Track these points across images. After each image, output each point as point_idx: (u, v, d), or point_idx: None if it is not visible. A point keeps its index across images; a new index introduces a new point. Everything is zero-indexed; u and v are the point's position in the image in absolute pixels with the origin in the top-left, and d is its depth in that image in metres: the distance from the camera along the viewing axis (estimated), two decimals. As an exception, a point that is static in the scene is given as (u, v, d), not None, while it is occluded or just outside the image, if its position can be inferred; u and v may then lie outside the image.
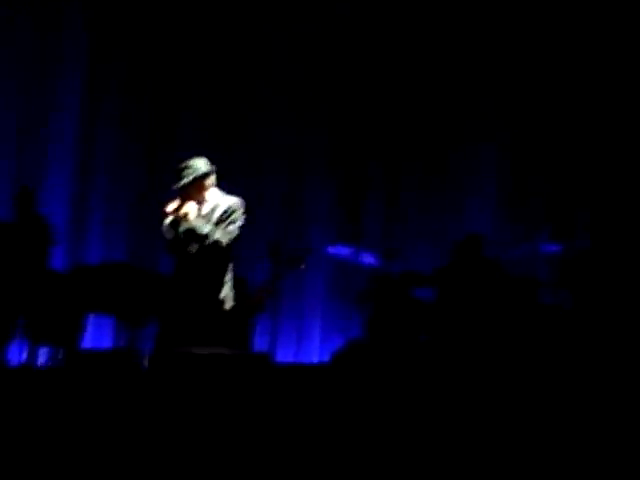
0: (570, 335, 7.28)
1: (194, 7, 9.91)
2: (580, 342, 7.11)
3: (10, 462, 4.97)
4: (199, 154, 5.79)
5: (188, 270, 5.67)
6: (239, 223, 5.67)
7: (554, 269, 8.38)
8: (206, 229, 5.56)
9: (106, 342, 8.74)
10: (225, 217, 5.61)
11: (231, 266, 5.75)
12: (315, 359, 9.28)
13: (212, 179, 5.70)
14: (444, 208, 9.86)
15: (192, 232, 5.57)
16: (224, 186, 5.85)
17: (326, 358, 7.92)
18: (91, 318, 8.33)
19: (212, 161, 5.74)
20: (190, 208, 5.60)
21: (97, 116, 9.85)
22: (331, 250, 8.93)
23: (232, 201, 5.67)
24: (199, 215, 5.63)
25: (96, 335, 8.82)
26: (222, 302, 5.70)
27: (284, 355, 8.70)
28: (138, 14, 9.86)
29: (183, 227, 5.63)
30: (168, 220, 5.71)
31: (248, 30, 9.93)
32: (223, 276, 5.71)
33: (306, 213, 9.81)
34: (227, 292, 5.72)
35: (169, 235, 5.71)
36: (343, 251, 8.75)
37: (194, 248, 5.60)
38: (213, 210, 5.65)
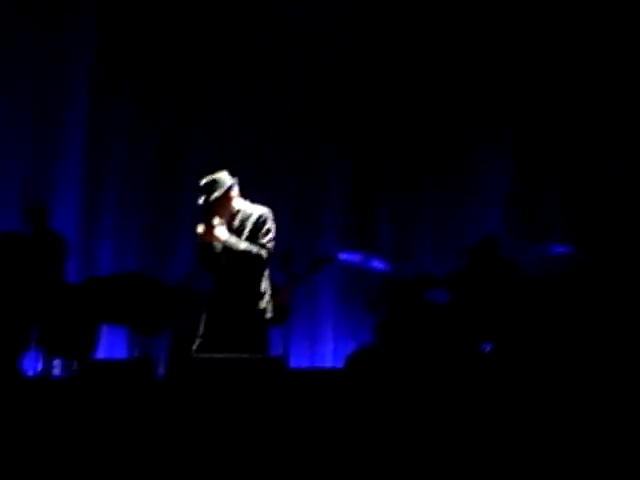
0: (585, 334, 7.27)
1: (206, 16, 9.95)
2: (595, 342, 7.11)
3: (26, 472, 5.00)
4: (211, 164, 5.86)
5: (227, 283, 5.71)
6: (272, 233, 5.73)
7: (565, 270, 8.38)
8: (242, 245, 5.61)
9: (120, 352, 8.77)
10: (258, 228, 5.67)
11: (267, 275, 5.80)
12: (328, 364, 9.30)
13: (236, 190, 5.76)
14: (455, 211, 9.88)
15: (229, 250, 5.62)
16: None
17: (339, 363, 7.92)
18: (105, 329, 8.38)
19: (227, 170, 5.81)
20: (220, 232, 5.63)
21: (107, 128, 9.90)
22: (343, 256, 8.94)
23: (261, 211, 5.73)
24: (230, 229, 5.68)
25: (110, 345, 8.87)
26: (263, 312, 5.76)
27: (297, 360, 8.72)
28: (150, 21, 9.90)
29: (219, 246, 5.68)
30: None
31: (261, 38, 10.00)
32: (261, 286, 5.76)
33: (318, 219, 9.83)
34: (267, 302, 5.77)
35: (205, 254, 5.75)
36: (355, 257, 8.76)
37: (232, 263, 5.65)
38: (243, 222, 5.70)
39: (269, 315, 5.79)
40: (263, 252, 5.66)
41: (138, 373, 6.80)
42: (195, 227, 5.68)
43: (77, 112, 9.75)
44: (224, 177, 5.71)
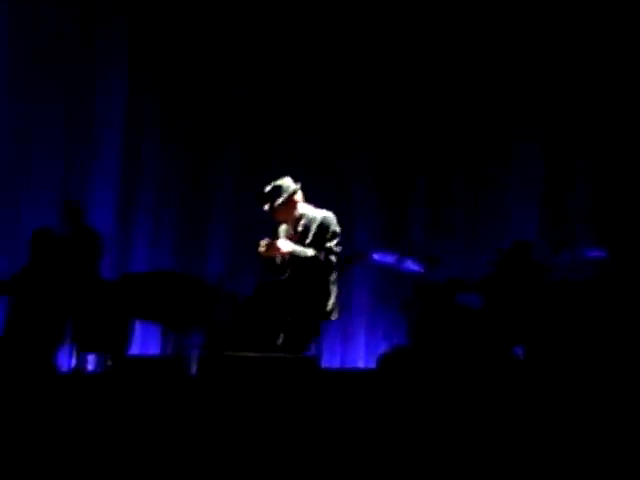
0: (615, 339, 7.23)
1: (237, 35, 10.02)
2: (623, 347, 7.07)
3: (60, 466, 5.05)
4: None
5: (294, 286, 5.76)
6: (338, 237, 5.78)
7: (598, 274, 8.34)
8: (310, 252, 5.67)
9: (153, 349, 8.83)
10: (323, 232, 5.73)
11: (335, 277, 5.85)
12: (360, 364, 9.31)
13: (300, 195, 5.81)
14: (487, 215, 9.86)
15: (297, 257, 5.67)
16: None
17: (371, 363, 7.93)
18: (138, 325, 8.44)
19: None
20: (283, 245, 5.69)
21: (142, 128, 9.95)
22: (376, 257, 8.93)
23: (325, 215, 5.80)
24: (295, 233, 5.73)
25: (143, 342, 8.93)
26: (330, 313, 5.83)
27: (330, 360, 8.75)
28: (181, 24, 9.97)
29: (278, 259, 5.78)
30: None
31: (288, 53, 10.03)
32: (329, 289, 5.80)
33: (352, 220, 9.84)
34: (333, 304, 5.82)
35: (269, 265, 5.82)
36: (388, 258, 8.75)
37: (300, 269, 5.70)
38: (307, 226, 5.78)
39: (335, 316, 5.86)
40: (332, 257, 5.75)
41: (171, 370, 6.85)
42: (257, 244, 5.76)
43: (114, 112, 9.81)
44: (288, 182, 5.82)
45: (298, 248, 5.69)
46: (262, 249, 5.75)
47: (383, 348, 8.11)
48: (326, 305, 5.80)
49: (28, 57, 9.41)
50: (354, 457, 5.08)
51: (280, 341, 5.85)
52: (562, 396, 6.05)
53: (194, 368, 7.49)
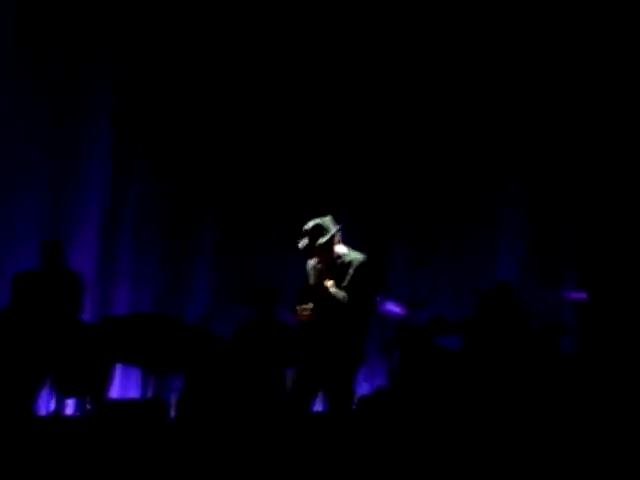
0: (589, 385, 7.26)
1: (218, 66, 10.09)
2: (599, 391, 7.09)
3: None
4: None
5: (332, 332, 5.73)
6: (373, 280, 5.76)
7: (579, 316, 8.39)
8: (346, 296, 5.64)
9: (133, 392, 8.78)
10: (359, 277, 5.64)
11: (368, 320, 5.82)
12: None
13: (339, 235, 5.79)
14: (470, 257, 9.90)
15: (334, 299, 5.63)
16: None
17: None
18: (119, 368, 8.40)
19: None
20: (330, 284, 5.66)
21: (124, 169, 9.93)
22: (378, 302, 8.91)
23: (360, 258, 5.72)
24: (329, 276, 5.69)
25: (124, 385, 8.88)
26: (358, 358, 5.75)
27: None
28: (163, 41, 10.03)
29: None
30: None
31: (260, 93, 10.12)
32: (362, 332, 5.77)
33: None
34: (361, 348, 5.77)
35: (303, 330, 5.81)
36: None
37: (337, 315, 5.67)
38: (344, 267, 5.69)
39: (359, 362, 5.80)
40: (371, 302, 5.73)
41: (150, 413, 6.83)
42: (295, 306, 5.70)
43: (97, 146, 9.78)
44: (329, 222, 5.72)
45: (340, 292, 5.64)
46: (305, 313, 5.68)
47: (364, 390, 8.10)
48: (361, 350, 5.73)
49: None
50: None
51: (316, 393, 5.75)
52: (539, 438, 6.06)
53: (173, 411, 7.48)
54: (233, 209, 10.00)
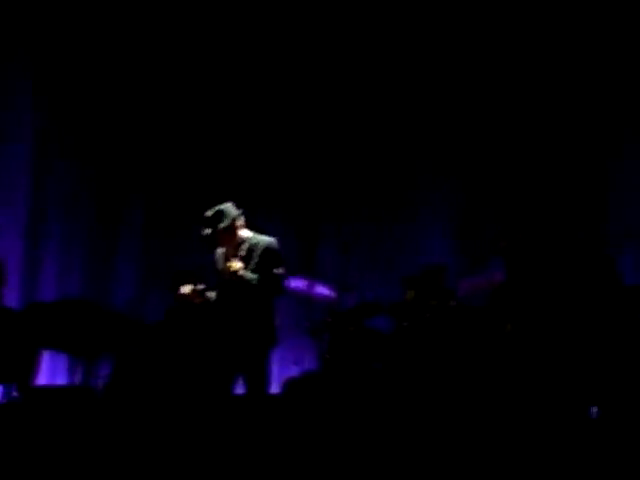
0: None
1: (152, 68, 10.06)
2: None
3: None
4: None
5: (240, 312, 5.74)
6: (280, 261, 5.80)
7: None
8: (256, 277, 5.65)
9: (61, 379, 8.71)
10: (268, 259, 5.74)
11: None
12: (272, 390, 9.27)
13: (242, 220, 5.84)
14: (397, 240, 9.98)
15: (243, 281, 5.65)
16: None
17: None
18: (46, 355, 8.31)
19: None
20: (237, 264, 5.67)
21: (48, 153, 9.79)
22: (287, 282, 8.95)
23: (268, 241, 5.80)
24: (239, 258, 5.71)
25: (51, 372, 8.80)
26: (277, 339, 5.83)
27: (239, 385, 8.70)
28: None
29: (212, 295, 5.86)
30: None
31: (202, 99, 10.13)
32: (274, 314, 5.82)
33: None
34: (273, 329, 5.83)
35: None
36: (299, 282, 8.78)
37: (245, 294, 5.69)
38: (251, 250, 5.77)
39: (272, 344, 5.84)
40: (279, 283, 5.77)
41: (78, 400, 6.77)
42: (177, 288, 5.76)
43: (22, 132, 9.65)
44: (230, 208, 5.82)
45: (249, 274, 5.69)
46: (187, 291, 5.78)
47: (294, 373, 8.13)
48: (274, 331, 5.79)
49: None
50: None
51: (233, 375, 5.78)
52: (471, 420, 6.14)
53: (101, 397, 7.43)
54: (161, 193, 9.97)
